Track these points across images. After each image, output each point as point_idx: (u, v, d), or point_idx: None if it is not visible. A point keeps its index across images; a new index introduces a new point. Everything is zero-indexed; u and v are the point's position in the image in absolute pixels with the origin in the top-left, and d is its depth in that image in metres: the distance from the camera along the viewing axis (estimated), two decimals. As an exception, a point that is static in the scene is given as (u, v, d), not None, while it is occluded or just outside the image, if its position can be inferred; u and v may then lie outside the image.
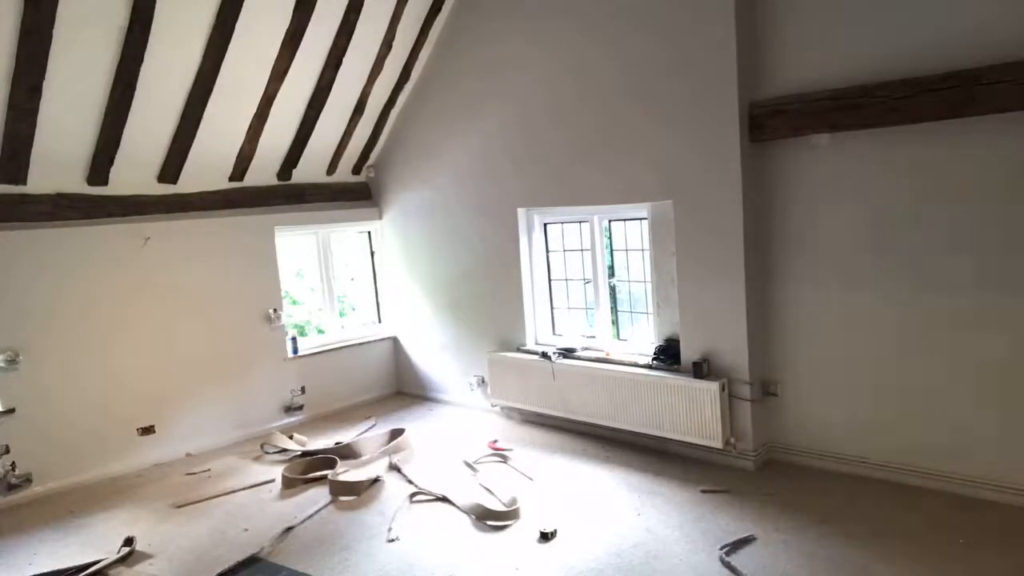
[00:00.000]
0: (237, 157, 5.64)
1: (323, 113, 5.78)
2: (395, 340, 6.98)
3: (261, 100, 5.32)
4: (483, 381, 6.04)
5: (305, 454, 5.23)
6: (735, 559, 3.39)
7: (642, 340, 5.19)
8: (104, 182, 5.02)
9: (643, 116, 4.70)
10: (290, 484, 4.72)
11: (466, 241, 6.09)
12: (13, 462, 4.71)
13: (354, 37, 5.37)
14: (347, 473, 4.82)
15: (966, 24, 3.56)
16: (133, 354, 5.27)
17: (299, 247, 6.65)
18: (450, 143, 6.06)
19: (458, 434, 5.62)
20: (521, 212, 5.65)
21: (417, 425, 5.96)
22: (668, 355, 4.81)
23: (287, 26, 4.98)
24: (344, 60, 5.48)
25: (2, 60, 4.04)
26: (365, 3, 5.23)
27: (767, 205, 4.40)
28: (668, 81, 4.53)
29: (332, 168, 6.47)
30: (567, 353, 5.34)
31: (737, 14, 4.18)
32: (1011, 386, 3.70)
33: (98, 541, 4.15)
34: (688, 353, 4.68)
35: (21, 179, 4.63)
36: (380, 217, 6.88)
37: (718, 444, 4.45)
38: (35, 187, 4.73)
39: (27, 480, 4.77)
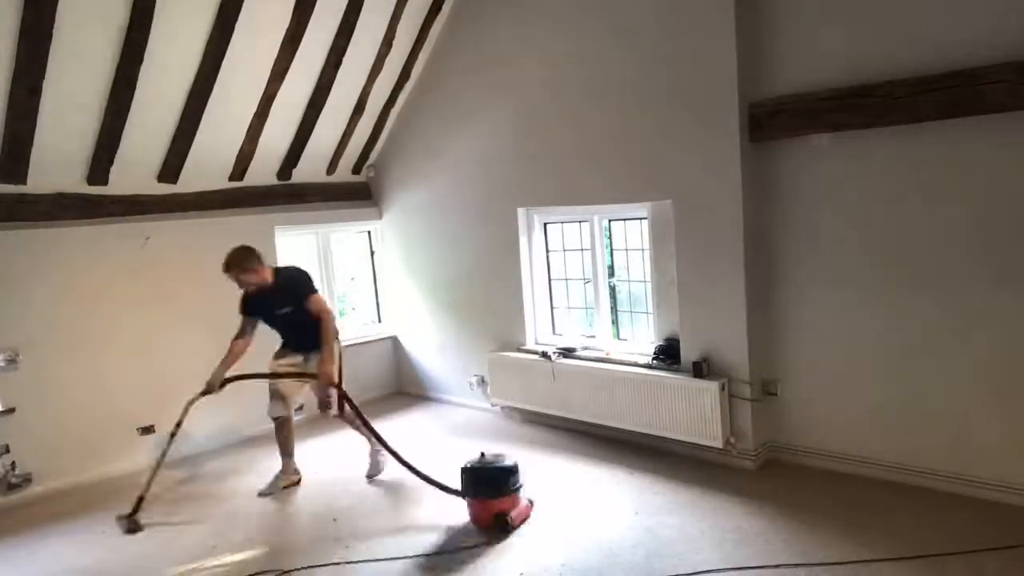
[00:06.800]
0: (237, 157, 5.64)
1: (323, 113, 5.77)
2: (395, 340, 6.97)
3: (261, 100, 5.31)
4: (483, 381, 6.04)
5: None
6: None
7: (642, 340, 5.20)
8: (104, 182, 5.02)
9: (643, 115, 4.70)
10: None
11: (466, 241, 6.09)
12: (13, 462, 4.71)
13: (354, 37, 5.37)
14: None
15: (966, 24, 3.56)
16: (133, 354, 5.26)
17: (299, 247, 6.64)
18: (450, 143, 6.06)
19: (457, 434, 5.63)
20: (521, 212, 5.64)
21: (416, 424, 5.97)
22: (668, 355, 4.81)
23: (287, 26, 4.97)
24: (344, 60, 5.47)
25: (2, 60, 4.03)
26: (365, 2, 5.23)
27: (767, 205, 4.40)
28: (668, 81, 4.53)
29: (332, 168, 6.46)
30: (567, 353, 5.34)
31: (737, 14, 4.18)
32: (1012, 385, 3.69)
33: (99, 541, 4.15)
34: (688, 353, 4.68)
35: (21, 179, 4.63)
36: (380, 217, 6.88)
37: (718, 444, 4.45)
38: (35, 187, 4.73)
39: (27, 480, 4.77)
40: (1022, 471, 3.70)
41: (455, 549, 3.71)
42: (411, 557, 3.67)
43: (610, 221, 5.31)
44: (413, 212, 6.54)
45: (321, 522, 4.19)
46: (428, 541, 3.83)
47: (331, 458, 5.27)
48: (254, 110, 5.36)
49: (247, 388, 5.88)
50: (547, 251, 5.73)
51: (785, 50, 4.18)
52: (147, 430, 5.35)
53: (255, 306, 4.63)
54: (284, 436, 4.75)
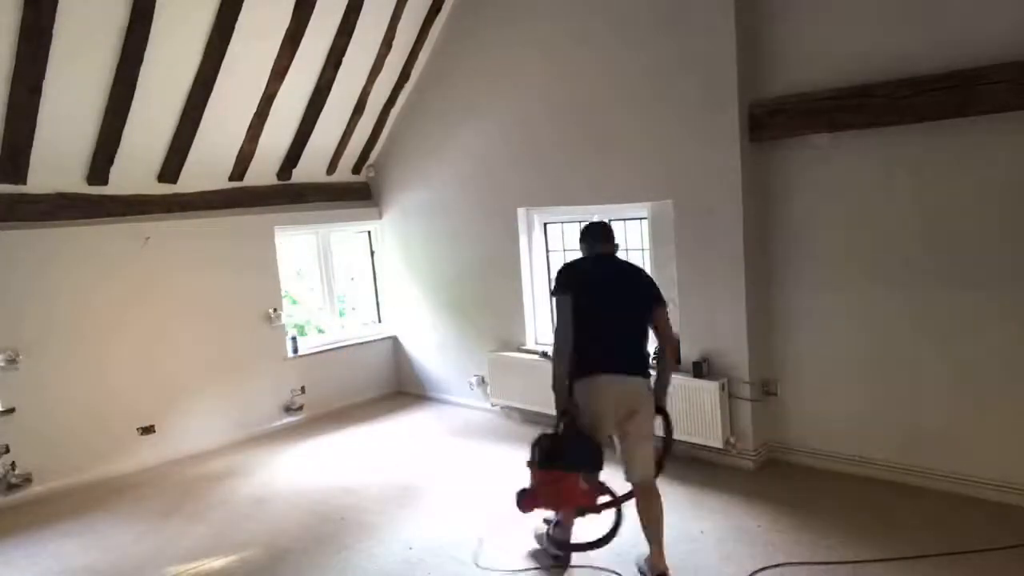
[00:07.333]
0: (237, 157, 5.63)
1: (323, 113, 5.77)
2: (395, 340, 6.97)
3: (261, 100, 5.31)
4: (483, 381, 6.04)
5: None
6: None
7: (642, 340, 5.19)
8: (104, 182, 5.02)
9: (643, 116, 4.70)
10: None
11: (466, 241, 6.09)
12: (13, 462, 4.70)
13: (354, 37, 5.37)
14: None
15: (966, 24, 3.56)
16: (133, 354, 5.26)
17: (299, 247, 6.65)
18: (450, 143, 6.06)
19: (457, 434, 5.63)
20: (521, 212, 5.64)
21: (416, 424, 5.97)
22: (668, 355, 4.81)
23: (287, 26, 4.97)
24: (344, 60, 5.47)
25: (2, 60, 4.03)
26: (365, 3, 5.23)
27: (767, 205, 4.40)
28: (668, 81, 4.53)
29: (332, 168, 6.46)
30: (567, 353, 5.33)
31: (737, 14, 4.18)
32: (1012, 384, 3.70)
33: (99, 541, 4.15)
34: (688, 353, 4.68)
35: (21, 179, 4.63)
36: (380, 217, 6.88)
37: (718, 444, 4.45)
38: (35, 187, 4.73)
39: (27, 480, 4.76)
40: (1021, 470, 3.70)
41: (455, 546, 3.72)
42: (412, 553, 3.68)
43: (610, 221, 5.29)
44: (413, 212, 6.54)
45: (322, 521, 4.18)
46: (429, 539, 3.84)
47: (330, 458, 5.27)
48: (254, 110, 5.35)
49: (248, 387, 5.91)
50: (547, 251, 5.73)
51: (785, 50, 4.18)
52: (147, 430, 5.35)
53: None
54: None
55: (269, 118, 5.47)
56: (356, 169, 6.72)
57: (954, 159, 3.72)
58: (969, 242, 3.73)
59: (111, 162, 4.93)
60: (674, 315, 4.76)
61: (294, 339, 6.27)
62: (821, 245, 4.23)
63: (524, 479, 3.24)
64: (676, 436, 3.51)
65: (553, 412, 3.13)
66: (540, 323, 5.76)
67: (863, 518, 3.72)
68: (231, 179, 5.78)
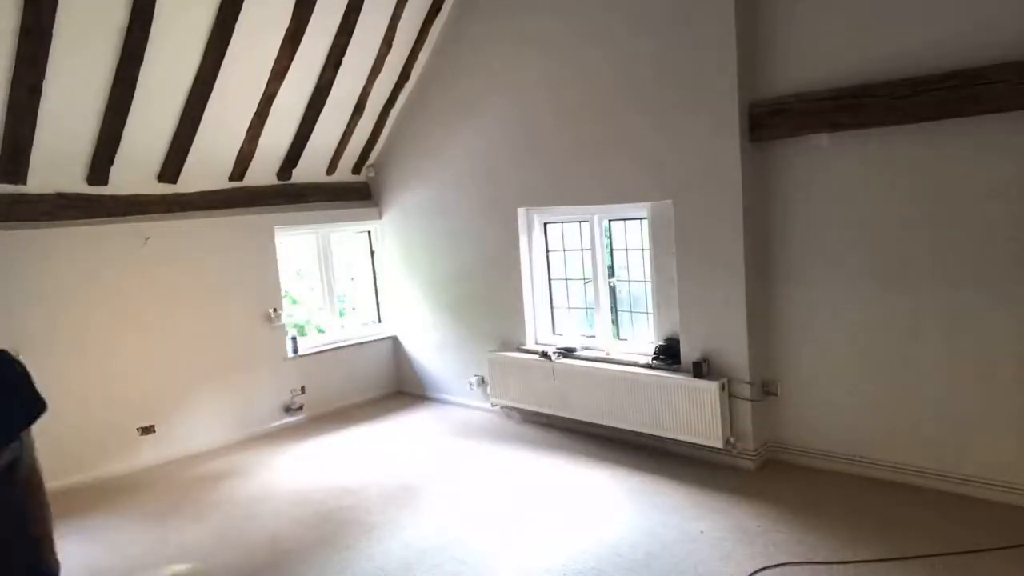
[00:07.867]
0: (237, 157, 5.64)
1: (323, 113, 5.78)
2: (395, 340, 6.97)
3: (261, 100, 5.31)
4: (483, 381, 6.04)
5: None
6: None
7: (642, 340, 5.19)
8: (104, 182, 5.02)
9: (643, 115, 4.70)
10: None
11: (466, 241, 6.09)
12: (13, 462, 4.70)
13: (354, 36, 5.37)
14: None
15: (966, 24, 3.56)
16: (133, 354, 5.26)
17: (299, 247, 6.65)
18: (450, 142, 6.06)
19: (457, 434, 5.63)
20: (521, 212, 5.65)
21: (416, 424, 5.97)
22: (668, 355, 4.81)
23: (287, 26, 4.97)
24: (344, 59, 5.47)
25: (2, 60, 4.04)
26: (365, 2, 5.23)
27: (767, 204, 4.40)
28: (668, 80, 4.53)
29: (332, 168, 6.47)
30: (567, 353, 5.34)
31: (737, 14, 4.18)
32: (1012, 385, 3.69)
33: (99, 541, 4.15)
34: (688, 353, 4.68)
35: (21, 179, 4.63)
36: (380, 217, 6.88)
37: (718, 444, 4.45)
38: (35, 187, 4.73)
39: (27, 480, 4.76)
40: (1021, 470, 3.70)
41: (455, 546, 3.73)
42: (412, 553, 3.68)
43: (610, 221, 5.31)
44: (413, 212, 6.54)
45: (322, 521, 4.19)
46: (429, 539, 3.84)
47: (330, 458, 5.28)
48: (254, 110, 5.36)
49: (248, 387, 5.91)
50: (547, 251, 5.73)
51: (785, 50, 4.18)
52: (147, 430, 5.35)
53: None
54: None
55: (269, 118, 5.47)
56: (356, 169, 6.72)
57: (954, 159, 3.72)
58: (970, 242, 3.73)
59: (111, 162, 4.93)
60: (674, 314, 4.79)
61: (294, 339, 6.27)
62: (821, 245, 4.23)
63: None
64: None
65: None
66: (540, 323, 5.76)
67: (863, 518, 3.72)
68: (231, 179, 5.78)
